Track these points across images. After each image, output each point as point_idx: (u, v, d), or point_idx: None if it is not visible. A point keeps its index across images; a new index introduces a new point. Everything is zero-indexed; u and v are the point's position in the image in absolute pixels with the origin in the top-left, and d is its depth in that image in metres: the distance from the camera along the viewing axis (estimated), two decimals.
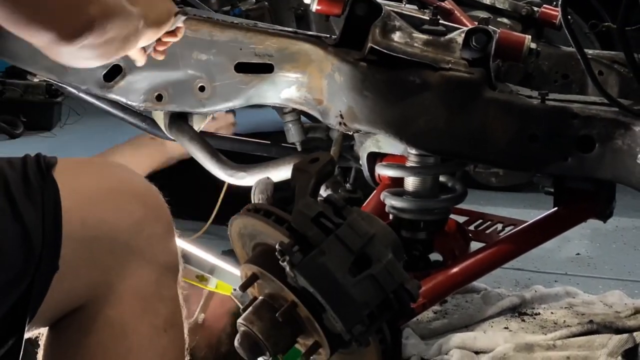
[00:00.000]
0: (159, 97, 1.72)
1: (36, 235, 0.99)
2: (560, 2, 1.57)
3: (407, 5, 1.78)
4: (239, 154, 2.03)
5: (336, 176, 1.91)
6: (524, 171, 2.34)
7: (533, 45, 1.59)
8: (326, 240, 1.20)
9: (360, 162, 1.82)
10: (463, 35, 1.54)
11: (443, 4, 1.96)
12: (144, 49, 1.35)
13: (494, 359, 1.96)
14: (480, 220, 1.90)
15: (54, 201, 1.01)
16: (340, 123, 1.62)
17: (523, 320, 2.21)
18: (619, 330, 2.04)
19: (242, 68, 1.68)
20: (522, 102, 1.52)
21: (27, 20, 0.99)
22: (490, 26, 1.65)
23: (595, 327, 2.06)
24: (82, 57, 1.07)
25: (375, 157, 1.79)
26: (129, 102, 1.74)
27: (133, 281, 1.07)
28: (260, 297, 1.32)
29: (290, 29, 1.73)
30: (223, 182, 2.09)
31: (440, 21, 1.62)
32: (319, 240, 1.20)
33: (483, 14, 2.12)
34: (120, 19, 1.10)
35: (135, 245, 1.07)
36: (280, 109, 1.90)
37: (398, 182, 1.72)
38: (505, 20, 2.14)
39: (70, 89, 1.83)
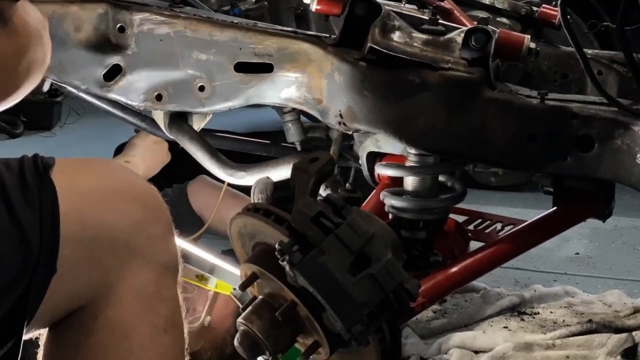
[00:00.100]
0: (159, 97, 1.72)
1: (33, 238, 0.98)
2: (559, 2, 1.57)
3: (407, 5, 1.79)
4: (238, 154, 2.03)
5: (336, 176, 1.91)
6: (523, 171, 2.35)
7: (532, 45, 1.59)
8: (326, 240, 1.20)
9: (360, 161, 1.82)
10: (462, 35, 1.54)
11: (442, 3, 1.96)
12: None
13: (493, 358, 1.96)
14: (480, 220, 1.90)
15: (51, 203, 1.00)
16: (339, 123, 1.62)
17: (522, 320, 2.22)
18: (618, 330, 2.05)
19: (242, 68, 1.68)
20: (522, 101, 1.53)
21: None
22: (489, 26, 1.65)
23: (595, 327, 2.06)
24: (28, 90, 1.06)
25: (374, 157, 1.79)
26: (129, 102, 1.74)
27: (133, 281, 1.06)
28: (260, 297, 1.32)
29: (289, 29, 1.73)
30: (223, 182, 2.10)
31: (440, 21, 1.62)
32: (318, 240, 1.20)
33: (482, 14, 2.12)
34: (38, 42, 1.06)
35: (136, 245, 1.07)
36: (279, 109, 1.90)
37: (397, 181, 1.72)
38: (504, 20, 2.14)
39: (70, 88, 1.83)
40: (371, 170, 1.80)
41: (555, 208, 1.75)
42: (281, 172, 1.83)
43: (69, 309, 1.06)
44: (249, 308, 1.31)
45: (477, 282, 2.42)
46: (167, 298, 1.11)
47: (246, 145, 2.13)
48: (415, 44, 1.55)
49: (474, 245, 1.77)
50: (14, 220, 0.97)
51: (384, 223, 1.31)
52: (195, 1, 1.92)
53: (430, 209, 1.69)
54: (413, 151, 1.64)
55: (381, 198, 1.69)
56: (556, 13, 2.04)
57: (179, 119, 1.84)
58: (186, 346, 1.14)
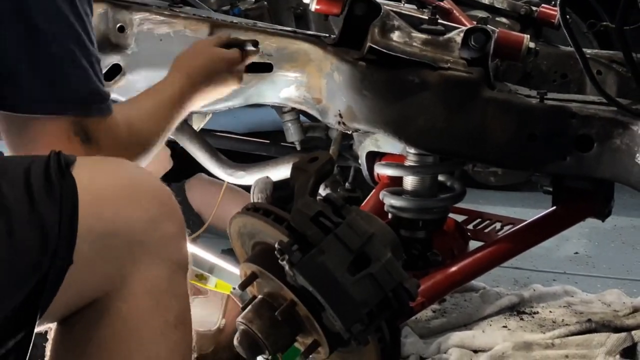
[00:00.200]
0: None
1: (52, 230, 1.00)
2: (558, 2, 1.57)
3: (406, 5, 1.79)
4: (238, 153, 2.04)
5: (335, 175, 1.92)
6: (523, 170, 2.35)
7: (532, 45, 1.59)
8: (325, 240, 1.20)
9: (359, 161, 1.83)
10: (462, 34, 1.54)
11: (442, 3, 1.97)
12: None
13: (492, 357, 1.96)
14: (479, 220, 1.91)
15: (71, 197, 1.03)
16: (339, 122, 1.62)
17: (522, 319, 2.22)
18: (617, 329, 2.05)
19: None
20: (521, 101, 1.53)
21: None
22: (488, 26, 1.65)
23: (594, 326, 2.06)
24: None
25: (374, 156, 1.79)
26: None
27: (146, 276, 1.08)
28: (260, 296, 1.33)
29: (289, 29, 1.73)
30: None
31: (439, 21, 1.62)
32: (318, 240, 1.20)
33: (482, 14, 2.13)
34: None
35: (150, 242, 1.08)
36: (279, 108, 1.91)
37: (397, 181, 1.72)
38: (503, 19, 2.14)
39: None
40: (370, 169, 1.81)
41: (554, 207, 1.75)
42: (281, 172, 1.83)
43: (81, 303, 1.07)
44: (249, 307, 1.31)
45: (477, 282, 2.41)
46: (178, 295, 1.12)
47: (246, 145, 2.14)
48: (414, 44, 1.56)
49: (474, 244, 1.77)
50: (35, 212, 1.00)
51: (383, 223, 1.31)
52: (195, 1, 1.92)
53: (430, 209, 1.70)
54: (412, 151, 1.65)
55: (380, 197, 1.69)
56: (555, 13, 2.04)
57: None
58: (194, 344, 1.15)
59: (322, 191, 1.85)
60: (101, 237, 1.05)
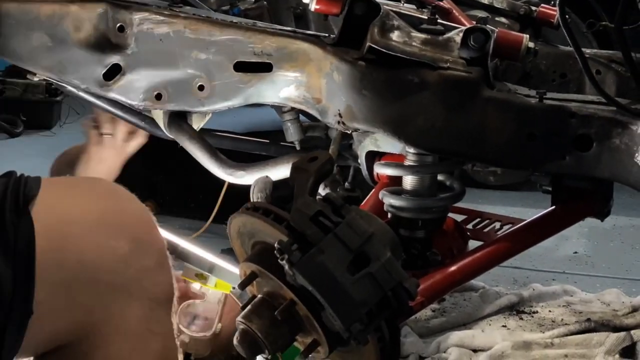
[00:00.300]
0: (158, 96, 1.72)
1: (6, 281, 0.95)
2: (557, 1, 1.57)
3: (406, 5, 1.79)
4: (238, 153, 2.03)
5: (335, 175, 1.92)
6: (522, 170, 2.34)
7: (531, 45, 1.59)
8: (325, 239, 1.20)
9: (359, 160, 1.83)
10: (461, 34, 1.54)
11: (441, 3, 1.97)
12: None
13: (492, 357, 1.96)
14: (478, 219, 1.91)
15: (27, 245, 0.96)
16: (338, 122, 1.62)
17: (521, 319, 2.22)
18: (616, 329, 2.05)
19: (241, 67, 1.69)
20: (520, 101, 1.53)
21: None
22: (488, 25, 1.65)
23: (593, 325, 2.07)
24: None
25: (373, 156, 1.79)
26: (129, 101, 1.74)
27: (120, 320, 1.02)
28: (259, 296, 1.33)
29: (289, 28, 1.73)
30: (223, 181, 2.10)
31: (439, 20, 1.63)
32: (317, 239, 1.20)
33: (481, 13, 2.13)
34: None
35: (120, 282, 1.02)
36: (279, 108, 1.91)
37: (396, 180, 1.72)
38: (503, 19, 2.15)
39: (69, 88, 1.83)
40: (370, 169, 1.81)
41: (553, 207, 1.75)
42: (280, 171, 1.83)
43: (52, 345, 1.03)
44: (248, 307, 1.31)
45: (476, 281, 2.42)
46: (158, 333, 1.07)
47: (246, 145, 2.14)
48: (414, 44, 1.56)
49: (473, 244, 1.77)
50: None
51: (383, 222, 1.31)
52: (195, 1, 1.92)
53: (429, 208, 1.70)
54: (412, 150, 1.65)
55: (380, 197, 1.69)
56: (555, 12, 2.04)
57: (178, 119, 1.84)
58: None
59: (322, 191, 1.85)
60: (64, 285, 0.99)
